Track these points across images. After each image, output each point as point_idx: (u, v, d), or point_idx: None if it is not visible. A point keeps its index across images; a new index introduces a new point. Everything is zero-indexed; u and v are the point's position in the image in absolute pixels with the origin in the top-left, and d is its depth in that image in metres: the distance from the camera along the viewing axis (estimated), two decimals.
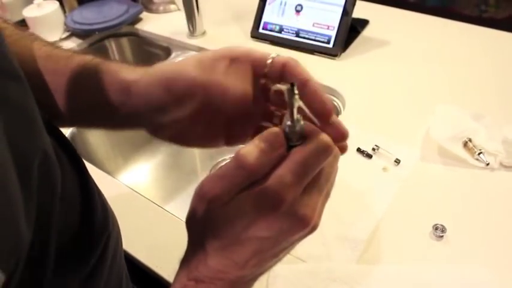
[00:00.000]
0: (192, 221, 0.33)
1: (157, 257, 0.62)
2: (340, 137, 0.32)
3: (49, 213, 0.31)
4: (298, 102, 0.29)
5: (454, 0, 2.37)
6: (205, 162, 1.12)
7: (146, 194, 0.73)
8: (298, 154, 0.30)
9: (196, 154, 1.13)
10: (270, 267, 0.35)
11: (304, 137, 0.30)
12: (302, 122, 0.30)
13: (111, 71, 0.39)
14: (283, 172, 0.29)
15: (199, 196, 0.31)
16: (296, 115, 0.29)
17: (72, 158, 0.39)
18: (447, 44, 1.00)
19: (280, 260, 0.35)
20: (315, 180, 0.31)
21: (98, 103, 0.39)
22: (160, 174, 1.09)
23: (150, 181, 1.08)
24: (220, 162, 1.10)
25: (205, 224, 0.32)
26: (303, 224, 0.31)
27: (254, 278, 0.35)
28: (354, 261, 0.58)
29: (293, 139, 0.30)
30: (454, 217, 0.63)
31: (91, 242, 0.39)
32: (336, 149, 0.32)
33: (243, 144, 0.39)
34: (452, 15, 1.11)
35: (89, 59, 0.41)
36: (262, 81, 0.36)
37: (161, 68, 0.37)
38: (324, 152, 0.30)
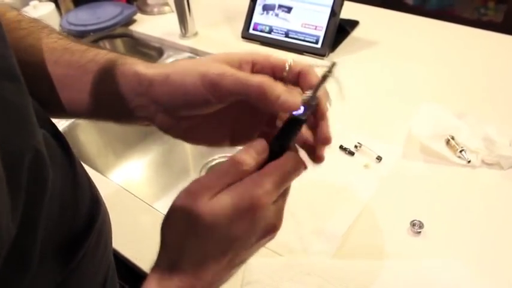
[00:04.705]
0: (175, 221, 0.35)
1: (144, 255, 0.62)
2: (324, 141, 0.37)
3: (38, 209, 0.32)
4: (326, 81, 0.33)
5: (453, 3, 2.38)
6: (197, 161, 1.13)
7: (137, 192, 0.74)
8: (281, 167, 0.34)
9: (188, 153, 1.14)
10: (232, 275, 0.38)
11: (284, 149, 0.35)
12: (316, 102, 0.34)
13: (129, 63, 0.39)
14: (267, 181, 0.33)
15: (189, 192, 0.33)
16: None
17: (64, 151, 0.40)
18: (436, 45, 1.01)
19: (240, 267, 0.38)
20: (284, 191, 0.36)
21: (111, 94, 0.40)
22: (152, 172, 1.10)
23: (142, 179, 1.09)
24: (210, 161, 1.11)
25: (189, 224, 0.33)
26: (273, 230, 0.35)
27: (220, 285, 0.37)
28: (330, 255, 0.59)
29: (305, 111, 0.34)
30: (433, 213, 0.63)
31: (77, 236, 0.39)
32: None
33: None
34: (451, 18, 1.11)
35: (105, 52, 0.41)
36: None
37: (196, 64, 0.37)
38: (299, 169, 0.35)
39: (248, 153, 0.34)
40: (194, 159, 1.13)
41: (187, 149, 1.14)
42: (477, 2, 2.31)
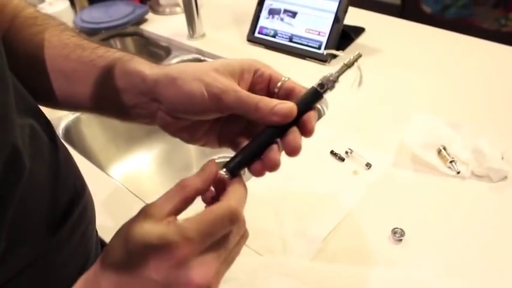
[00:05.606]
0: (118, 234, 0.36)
1: None
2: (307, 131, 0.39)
3: (8, 200, 0.34)
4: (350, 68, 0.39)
5: (473, 13, 2.35)
6: (199, 159, 1.15)
7: (138, 187, 0.76)
8: (208, 215, 0.33)
9: (191, 151, 1.16)
10: None
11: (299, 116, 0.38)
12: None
13: (135, 62, 0.42)
14: (190, 226, 0.32)
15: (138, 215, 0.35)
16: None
17: (51, 141, 0.42)
18: (439, 55, 1.01)
19: None
20: (216, 244, 0.33)
21: (114, 90, 0.42)
22: (154, 169, 1.13)
23: (144, 175, 1.12)
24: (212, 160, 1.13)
25: (121, 239, 0.34)
26: (189, 284, 0.31)
27: None
28: (310, 258, 0.60)
29: (326, 85, 0.39)
30: (417, 222, 0.64)
31: (53, 223, 0.41)
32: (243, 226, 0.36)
33: (231, 146, 0.43)
34: (470, 28, 1.10)
35: (115, 50, 0.44)
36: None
37: (201, 72, 0.39)
38: (231, 221, 0.33)
39: (196, 176, 0.37)
40: (197, 157, 1.16)
41: (191, 147, 1.16)
42: (498, 13, 2.28)
